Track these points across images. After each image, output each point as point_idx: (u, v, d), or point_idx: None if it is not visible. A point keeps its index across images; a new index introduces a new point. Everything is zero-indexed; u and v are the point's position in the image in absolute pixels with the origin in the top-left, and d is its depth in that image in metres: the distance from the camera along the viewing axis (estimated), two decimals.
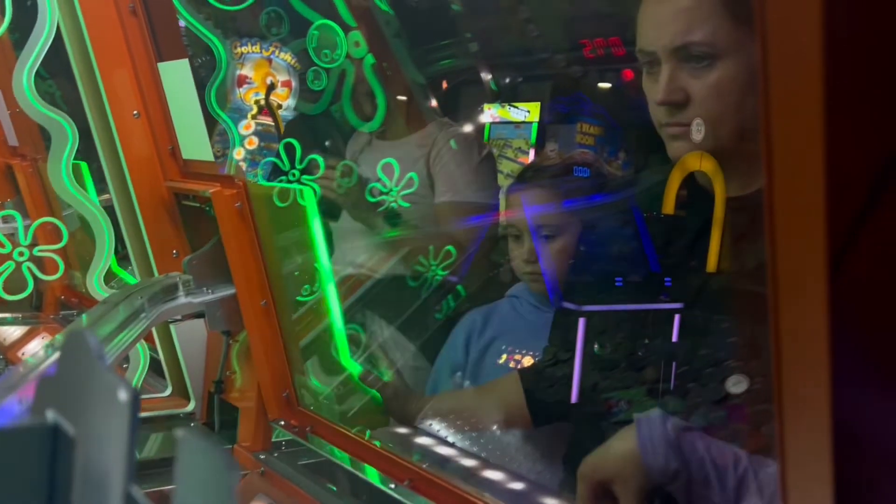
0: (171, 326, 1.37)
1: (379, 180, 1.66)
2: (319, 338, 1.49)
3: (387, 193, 1.69)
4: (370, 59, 1.63)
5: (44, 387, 0.42)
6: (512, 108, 2.23)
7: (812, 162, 0.41)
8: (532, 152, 2.27)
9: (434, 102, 1.96)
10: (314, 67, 1.58)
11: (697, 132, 1.09)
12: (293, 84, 1.55)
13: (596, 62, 1.28)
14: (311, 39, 1.56)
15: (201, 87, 1.32)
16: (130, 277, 1.64)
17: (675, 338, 1.11)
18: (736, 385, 1.05)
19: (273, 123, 1.52)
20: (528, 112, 2.23)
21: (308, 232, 1.42)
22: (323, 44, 1.56)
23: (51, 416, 0.37)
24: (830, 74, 0.40)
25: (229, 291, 1.26)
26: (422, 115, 1.83)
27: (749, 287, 1.08)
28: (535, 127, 2.22)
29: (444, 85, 1.95)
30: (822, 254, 0.43)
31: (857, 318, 0.46)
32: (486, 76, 1.92)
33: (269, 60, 1.53)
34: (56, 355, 0.75)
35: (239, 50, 1.46)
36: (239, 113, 1.45)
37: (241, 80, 1.46)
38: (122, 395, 0.34)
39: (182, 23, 1.31)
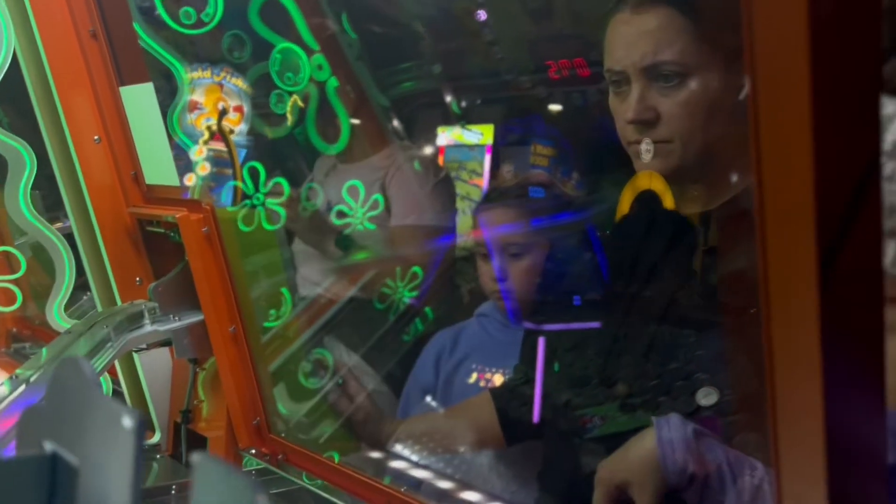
0: (135, 355, 1.34)
1: (344, 203, 1.66)
2: (289, 363, 1.47)
3: (352, 216, 1.69)
4: (333, 81, 1.63)
5: (30, 418, 0.41)
6: (465, 131, 2.24)
7: (801, 167, 0.42)
8: (486, 174, 2.29)
9: (396, 124, 1.96)
10: (277, 90, 1.57)
11: (647, 153, 1.12)
12: (245, 109, 1.54)
13: (559, 83, 1.30)
14: (274, 63, 1.55)
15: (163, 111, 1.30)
16: None
17: (644, 352, 1.13)
18: (706, 397, 1.07)
19: (226, 149, 1.51)
20: (481, 134, 2.25)
21: (275, 256, 1.41)
22: (286, 67, 1.56)
23: (48, 446, 0.36)
24: (817, 78, 0.41)
25: (197, 318, 1.23)
26: (382, 137, 1.83)
27: (716, 299, 1.10)
28: (489, 149, 2.24)
29: (406, 107, 1.96)
30: (812, 258, 0.44)
31: (845, 321, 0.47)
32: (448, 98, 1.93)
33: (221, 86, 1.51)
34: (28, 386, 0.73)
35: (189, 75, 1.44)
36: (191, 138, 1.44)
37: (193, 106, 1.45)
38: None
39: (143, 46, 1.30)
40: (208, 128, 1.46)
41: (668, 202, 1.27)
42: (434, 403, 1.63)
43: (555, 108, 1.65)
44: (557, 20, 1.18)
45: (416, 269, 1.77)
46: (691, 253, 1.10)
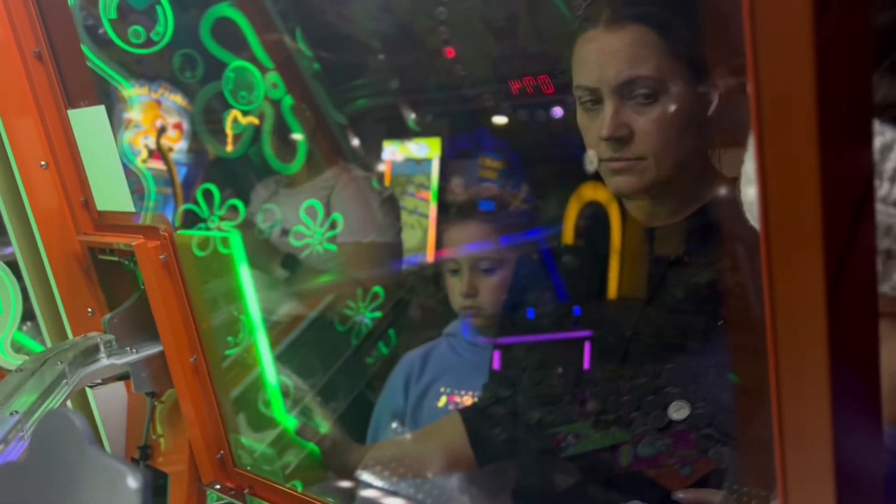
0: (89, 391, 1.28)
1: (301, 223, 1.62)
2: (250, 392, 1.42)
3: (310, 236, 1.66)
4: (289, 100, 1.60)
5: (4, 478, 0.37)
6: (412, 145, 2.24)
7: (809, 189, 0.42)
8: (434, 188, 2.29)
9: (354, 142, 1.94)
10: (231, 110, 1.53)
11: (590, 164, 1.12)
12: (185, 126, 1.50)
13: (519, 99, 1.30)
14: (228, 82, 1.51)
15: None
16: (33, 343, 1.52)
17: (613, 368, 1.13)
18: (678, 411, 1.07)
19: (165, 167, 1.46)
20: (428, 148, 2.25)
21: (234, 280, 1.36)
22: (239, 86, 1.52)
23: None
24: (823, 100, 0.40)
25: (155, 349, 1.18)
26: (331, 156, 1.80)
27: (682, 312, 1.10)
28: (436, 163, 2.24)
29: (363, 124, 1.93)
30: (820, 281, 0.44)
31: (849, 341, 0.47)
32: (405, 114, 1.92)
33: (159, 103, 1.47)
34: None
35: (126, 93, 1.40)
36: (126, 158, 1.39)
37: (129, 124, 1.40)
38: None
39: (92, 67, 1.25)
40: (146, 146, 1.42)
41: (615, 213, 1.28)
42: (403, 428, 1.60)
43: (503, 120, 1.65)
44: (520, 38, 1.18)
45: (378, 289, 1.74)
46: (658, 265, 1.11)
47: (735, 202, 1.11)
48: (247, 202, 1.64)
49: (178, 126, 1.52)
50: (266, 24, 1.56)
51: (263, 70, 1.53)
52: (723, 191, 1.11)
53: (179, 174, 1.50)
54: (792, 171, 0.44)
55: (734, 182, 1.14)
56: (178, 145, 1.53)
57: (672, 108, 1.00)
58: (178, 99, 1.50)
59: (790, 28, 0.38)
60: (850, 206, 0.45)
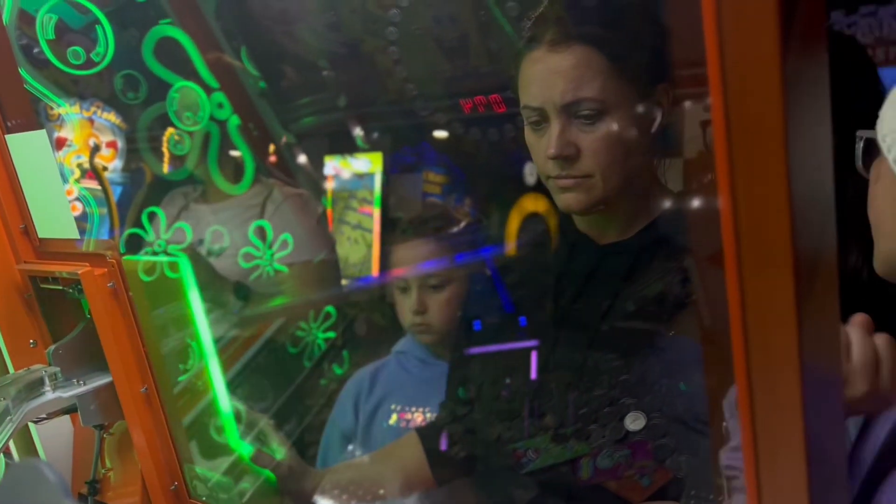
0: (32, 426, 1.22)
1: (250, 244, 1.60)
2: (202, 419, 1.39)
3: (260, 257, 1.63)
4: (235, 120, 1.58)
5: None
6: (353, 160, 2.23)
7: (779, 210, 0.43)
8: (377, 202, 2.28)
9: (301, 159, 1.92)
10: (176, 131, 1.50)
11: (530, 175, 1.14)
12: (119, 145, 1.47)
13: (467, 114, 1.31)
14: (172, 102, 1.48)
15: None
16: None
17: (568, 381, 1.14)
18: (634, 422, 1.09)
19: (100, 187, 1.42)
20: (370, 162, 2.25)
21: (183, 305, 1.33)
22: (184, 106, 1.49)
23: None
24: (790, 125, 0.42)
25: (104, 380, 1.14)
26: (272, 174, 1.78)
27: (635, 325, 1.12)
28: (378, 177, 2.24)
29: (309, 142, 1.92)
30: (791, 300, 0.45)
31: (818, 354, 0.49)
32: (352, 131, 1.91)
33: (91, 121, 1.43)
34: None
35: (55, 111, 1.36)
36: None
37: (60, 143, 1.36)
38: None
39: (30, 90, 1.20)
40: (79, 165, 1.38)
41: (554, 223, 1.30)
42: (354, 448, 1.58)
43: (446, 135, 1.66)
44: (472, 57, 1.19)
45: (330, 308, 1.72)
46: (611, 279, 1.13)
47: (683, 216, 1.14)
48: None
49: (112, 145, 1.48)
50: (210, 44, 1.53)
51: (208, 90, 1.50)
52: (671, 205, 1.13)
53: (116, 193, 1.46)
54: (762, 194, 0.45)
55: (681, 196, 1.17)
56: (112, 164, 1.49)
57: (617, 126, 1.03)
58: (111, 117, 1.46)
59: (758, 57, 0.39)
60: (815, 226, 0.47)
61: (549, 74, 1.04)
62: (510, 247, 1.32)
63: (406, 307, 1.53)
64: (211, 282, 1.58)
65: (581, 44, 1.03)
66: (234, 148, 1.60)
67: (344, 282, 1.92)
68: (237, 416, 1.43)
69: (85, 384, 1.12)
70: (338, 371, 1.73)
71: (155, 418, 1.16)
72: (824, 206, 0.49)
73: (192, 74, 1.48)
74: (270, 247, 1.61)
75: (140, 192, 1.69)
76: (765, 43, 0.40)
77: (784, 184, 0.43)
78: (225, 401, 1.39)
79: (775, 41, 0.40)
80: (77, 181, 1.36)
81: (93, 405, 1.12)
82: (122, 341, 1.12)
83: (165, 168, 1.61)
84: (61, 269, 1.13)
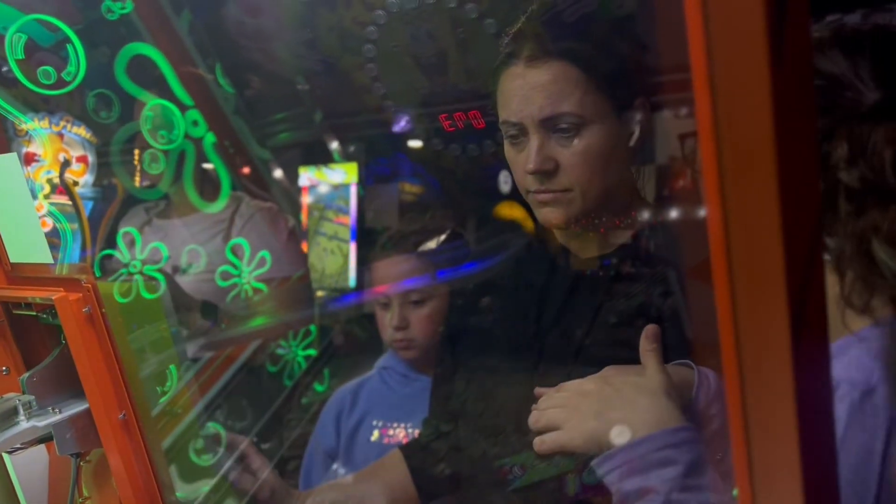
0: (6, 457, 1.19)
1: (228, 262, 1.58)
2: (179, 441, 1.36)
3: (238, 276, 1.61)
4: (211, 137, 1.56)
5: None
6: (328, 170, 2.22)
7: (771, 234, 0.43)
8: (353, 213, 2.27)
9: (277, 174, 1.91)
10: (150, 150, 1.48)
11: (505, 183, 1.14)
12: (90, 159, 1.45)
13: (445, 130, 1.31)
14: (146, 121, 1.46)
15: None
16: None
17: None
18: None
19: (70, 202, 1.40)
20: (345, 173, 2.24)
21: (160, 326, 1.31)
22: (158, 125, 1.47)
23: None
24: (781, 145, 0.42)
25: (81, 408, 1.11)
26: (246, 189, 1.76)
27: (618, 338, 1.13)
28: (354, 188, 2.23)
29: (285, 158, 1.91)
30: (785, 322, 0.45)
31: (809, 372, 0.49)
32: (330, 148, 1.90)
33: (61, 136, 1.41)
34: None
35: (23, 127, 1.33)
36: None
37: (29, 158, 1.34)
38: None
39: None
40: (49, 180, 1.36)
41: (529, 227, 1.30)
42: (337, 466, 1.56)
43: (420, 145, 1.66)
44: (451, 73, 1.19)
45: (312, 326, 1.71)
46: (593, 294, 1.13)
47: (665, 228, 1.15)
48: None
49: (82, 159, 1.46)
50: (184, 61, 1.52)
51: (183, 108, 1.49)
52: (652, 217, 1.14)
53: (87, 208, 1.44)
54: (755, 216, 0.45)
55: (660, 209, 1.18)
56: (83, 179, 1.47)
57: (595, 140, 1.03)
58: (81, 131, 1.44)
59: (749, 80, 0.39)
60: (805, 251, 0.47)
61: (526, 89, 1.04)
62: (491, 261, 1.31)
63: (386, 322, 1.52)
64: (178, 301, 1.56)
65: (558, 59, 1.03)
66: (210, 165, 1.58)
67: (320, 293, 1.91)
68: (217, 438, 1.41)
69: (61, 412, 1.09)
70: (319, 389, 1.71)
71: (134, 445, 1.13)
72: (813, 216, 0.49)
73: (166, 92, 1.47)
74: (248, 264, 1.60)
75: (113, 209, 1.67)
76: (754, 52, 0.40)
77: (775, 194, 0.43)
78: (202, 422, 1.37)
79: (765, 50, 0.40)
80: (46, 197, 1.33)
81: (69, 434, 1.09)
82: (99, 367, 1.09)
83: (138, 183, 1.59)
84: (35, 294, 1.11)
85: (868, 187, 0.52)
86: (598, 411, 0.84)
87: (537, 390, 0.93)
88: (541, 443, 0.88)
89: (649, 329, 0.86)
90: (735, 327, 0.46)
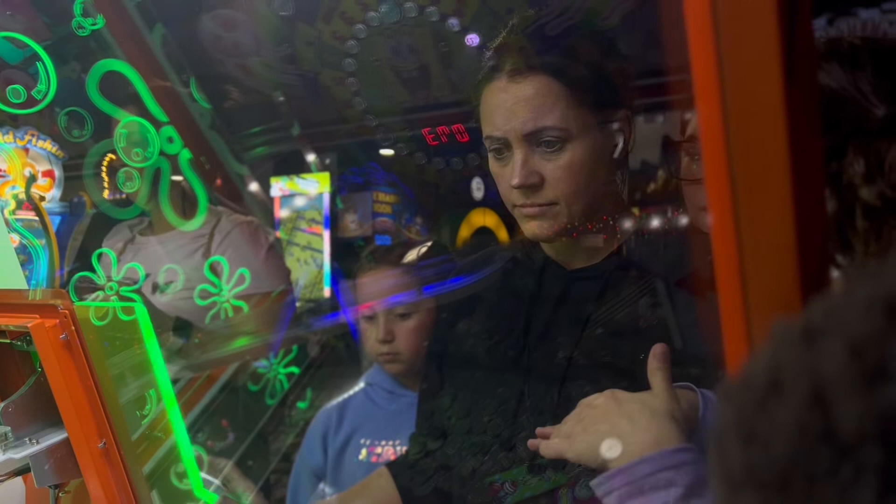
0: None
1: (206, 281, 1.55)
2: (159, 465, 1.33)
3: (217, 294, 1.58)
4: (186, 153, 1.53)
5: None
6: (300, 180, 2.20)
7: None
8: (326, 223, 2.26)
9: (253, 187, 1.88)
10: (125, 168, 1.45)
11: (478, 190, 1.13)
12: (56, 174, 1.42)
13: (433, 143, 1.30)
14: (120, 139, 1.42)
15: None
16: None
17: (541, 410, 1.12)
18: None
19: (37, 218, 1.37)
20: (317, 183, 2.22)
21: (139, 349, 1.28)
22: (132, 143, 1.44)
23: None
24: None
25: (59, 437, 1.08)
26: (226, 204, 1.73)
27: (606, 350, 1.12)
28: (327, 197, 2.22)
29: (263, 172, 1.88)
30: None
31: None
32: (307, 161, 1.88)
33: (26, 150, 1.38)
34: None
35: None
36: None
37: None
38: None
39: None
40: (14, 196, 1.32)
41: (503, 235, 1.29)
42: (325, 486, 1.54)
43: (393, 154, 1.65)
44: (433, 87, 1.18)
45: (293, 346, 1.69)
46: (581, 305, 1.12)
47: (650, 238, 1.15)
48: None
49: (49, 174, 1.43)
50: (158, 76, 1.49)
51: (157, 125, 1.46)
52: (637, 228, 1.14)
53: (55, 223, 1.41)
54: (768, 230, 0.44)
55: (645, 219, 1.17)
56: (49, 194, 1.44)
57: (579, 153, 1.03)
58: (47, 145, 1.41)
59: (763, 99, 0.38)
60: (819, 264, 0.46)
61: (510, 104, 1.04)
62: (478, 275, 1.30)
63: (372, 336, 1.50)
64: (156, 323, 1.53)
65: (541, 73, 1.03)
66: (187, 182, 1.55)
67: (298, 304, 1.89)
68: (199, 462, 1.38)
69: (38, 443, 1.06)
70: (301, 406, 1.69)
71: (115, 473, 1.10)
72: (825, 232, 0.48)
73: (139, 109, 1.44)
74: (227, 282, 1.57)
75: (83, 226, 1.64)
76: (767, 62, 0.39)
77: (790, 208, 0.41)
78: (186, 445, 1.34)
79: (777, 59, 0.39)
80: (12, 213, 1.30)
81: (47, 465, 1.05)
82: (78, 394, 1.06)
83: (108, 196, 1.56)
84: (9, 322, 1.07)
85: (887, 205, 0.52)
86: (598, 425, 0.83)
87: (539, 430, 0.92)
88: (542, 447, 0.87)
89: (657, 348, 0.85)
90: (749, 346, 0.45)
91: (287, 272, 1.77)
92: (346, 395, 1.59)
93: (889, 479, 0.28)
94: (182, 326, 1.57)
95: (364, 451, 1.53)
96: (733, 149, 0.41)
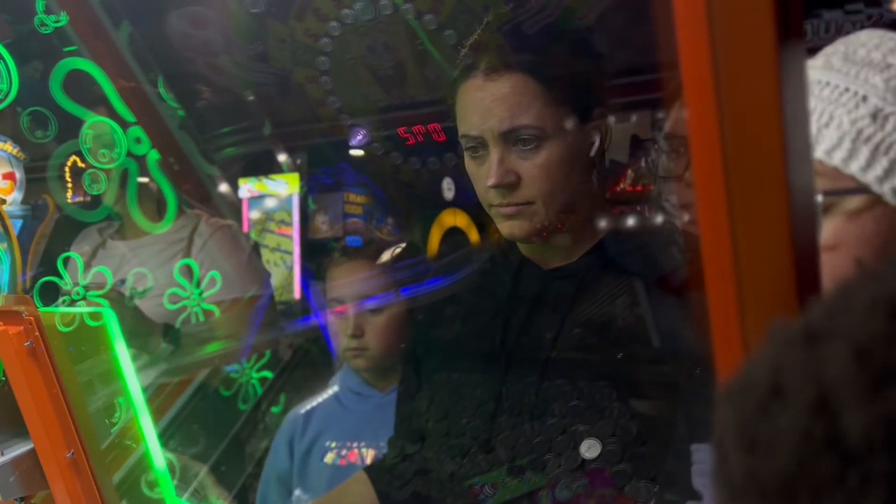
0: None
1: (176, 285, 1.52)
2: (130, 475, 1.30)
3: (187, 298, 1.55)
4: (154, 154, 1.50)
5: None
6: (269, 181, 2.18)
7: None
8: (296, 224, 2.24)
9: (223, 188, 1.85)
10: (91, 170, 1.41)
11: (448, 190, 1.12)
12: (17, 176, 1.38)
13: (413, 145, 1.29)
14: (85, 139, 1.39)
15: None
16: None
17: (519, 411, 1.12)
18: (590, 449, 1.08)
19: None
20: (286, 184, 2.20)
21: (108, 355, 1.25)
22: (99, 143, 1.40)
23: None
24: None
25: (24, 449, 1.04)
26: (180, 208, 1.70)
27: (581, 349, 1.12)
28: (296, 198, 2.20)
29: (233, 173, 1.85)
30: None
31: None
32: (279, 161, 1.86)
33: None
34: None
35: None
36: None
37: None
38: None
39: None
40: None
41: (474, 236, 1.29)
42: (294, 491, 1.52)
43: (364, 154, 1.63)
44: (408, 86, 1.17)
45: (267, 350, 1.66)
46: (558, 304, 1.12)
47: (628, 238, 1.14)
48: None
49: (9, 176, 1.40)
50: (125, 75, 1.45)
51: (125, 125, 1.42)
52: (614, 226, 1.14)
53: (16, 227, 1.37)
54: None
55: (622, 217, 1.17)
56: (10, 197, 1.40)
57: (556, 152, 1.03)
58: (7, 147, 1.37)
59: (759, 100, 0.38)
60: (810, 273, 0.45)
61: (486, 102, 1.04)
62: (454, 275, 1.29)
63: (341, 331, 1.49)
64: (136, 326, 1.50)
65: (516, 71, 1.03)
66: (155, 184, 1.52)
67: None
68: (171, 469, 1.35)
69: (3, 454, 1.02)
70: (276, 411, 1.66)
71: (83, 484, 1.07)
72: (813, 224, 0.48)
73: (106, 108, 1.40)
74: (198, 286, 1.54)
75: (47, 229, 1.60)
76: (763, 59, 0.38)
77: (785, 206, 0.41)
78: (157, 453, 1.31)
79: (772, 56, 0.38)
80: None
81: (12, 477, 1.02)
82: (44, 403, 1.02)
83: (73, 199, 1.52)
84: None
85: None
86: None
87: None
88: None
89: None
90: (742, 346, 0.44)
91: (267, 276, 1.74)
92: (312, 399, 1.57)
93: None
94: (171, 331, 1.53)
95: (330, 454, 1.51)
96: (727, 146, 0.40)
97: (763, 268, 0.42)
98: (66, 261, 1.40)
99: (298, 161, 2.15)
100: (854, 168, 0.61)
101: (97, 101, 1.39)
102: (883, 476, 0.28)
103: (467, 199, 1.11)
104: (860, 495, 0.28)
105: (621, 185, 1.46)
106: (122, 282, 1.51)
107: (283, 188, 2.22)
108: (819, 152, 0.59)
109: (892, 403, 0.28)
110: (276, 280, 2.15)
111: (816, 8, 1.84)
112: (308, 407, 1.56)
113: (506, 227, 1.08)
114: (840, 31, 1.84)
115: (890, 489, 0.28)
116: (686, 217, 1.01)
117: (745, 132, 0.39)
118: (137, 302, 1.50)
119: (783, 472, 0.30)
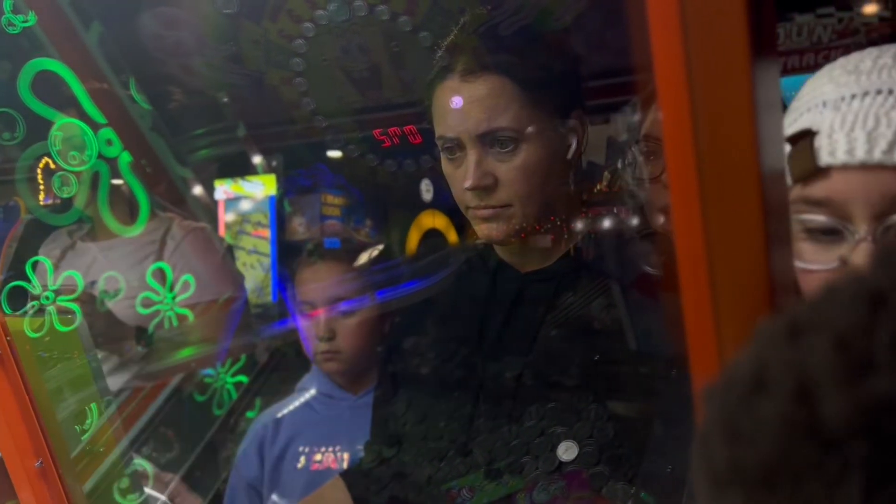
0: None
1: (149, 289, 1.50)
2: (102, 482, 1.27)
3: (161, 302, 1.53)
4: (126, 156, 1.47)
5: None
6: (245, 183, 2.16)
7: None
8: (273, 226, 2.22)
9: (197, 191, 1.83)
10: (61, 172, 1.38)
11: (427, 192, 1.12)
12: None
13: (387, 148, 1.28)
14: (54, 141, 1.36)
15: None
16: None
17: (496, 414, 1.11)
18: (567, 451, 1.08)
19: None
20: (262, 185, 2.18)
21: (77, 361, 1.22)
22: (69, 145, 1.38)
23: None
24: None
25: None
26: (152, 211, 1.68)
27: (560, 351, 1.12)
28: (274, 200, 2.18)
29: (206, 175, 1.83)
30: None
31: None
32: (254, 162, 1.84)
33: None
34: None
35: None
36: None
37: None
38: None
39: None
40: None
41: (453, 237, 1.28)
42: (265, 499, 1.50)
43: (341, 156, 1.62)
44: (384, 88, 1.16)
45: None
46: (534, 307, 1.12)
47: (604, 240, 1.15)
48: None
49: None
50: (95, 77, 1.43)
51: (95, 126, 1.40)
52: (591, 228, 1.14)
53: None
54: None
55: (598, 219, 1.18)
56: None
57: (533, 154, 1.03)
58: None
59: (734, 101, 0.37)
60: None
61: (463, 106, 1.02)
62: (431, 278, 1.29)
63: (312, 333, 1.47)
64: (108, 330, 1.47)
65: (493, 73, 1.02)
66: (127, 187, 1.50)
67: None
68: (142, 475, 1.33)
69: None
70: (251, 416, 1.64)
71: (53, 493, 1.04)
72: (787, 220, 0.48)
73: (76, 110, 1.38)
74: (171, 289, 1.52)
75: (18, 232, 1.57)
76: (735, 55, 0.38)
77: (760, 208, 0.41)
78: (127, 459, 1.29)
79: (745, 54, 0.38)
80: None
81: None
82: (11, 411, 1.00)
83: (43, 202, 1.49)
84: None
85: None
86: None
87: None
88: None
89: None
90: (717, 346, 0.44)
91: (241, 278, 1.72)
92: (280, 403, 1.55)
93: (875, 472, 0.28)
94: (144, 334, 1.51)
95: (303, 459, 1.49)
96: (701, 147, 0.40)
97: (737, 269, 0.42)
98: (35, 265, 1.37)
99: (274, 163, 2.13)
100: None
101: (67, 103, 1.36)
102: (861, 461, 0.28)
103: (446, 201, 1.10)
104: (839, 480, 0.28)
105: (598, 187, 1.46)
106: (93, 283, 1.48)
107: (260, 190, 2.20)
108: (877, 153, 0.59)
109: (870, 390, 0.28)
110: (252, 282, 2.13)
111: (789, 11, 1.87)
112: (276, 412, 1.54)
113: (483, 230, 1.08)
114: (811, 35, 1.86)
115: (868, 474, 0.28)
116: (662, 219, 1.01)
117: (718, 134, 0.39)
118: (109, 305, 1.48)
119: (765, 460, 0.30)
